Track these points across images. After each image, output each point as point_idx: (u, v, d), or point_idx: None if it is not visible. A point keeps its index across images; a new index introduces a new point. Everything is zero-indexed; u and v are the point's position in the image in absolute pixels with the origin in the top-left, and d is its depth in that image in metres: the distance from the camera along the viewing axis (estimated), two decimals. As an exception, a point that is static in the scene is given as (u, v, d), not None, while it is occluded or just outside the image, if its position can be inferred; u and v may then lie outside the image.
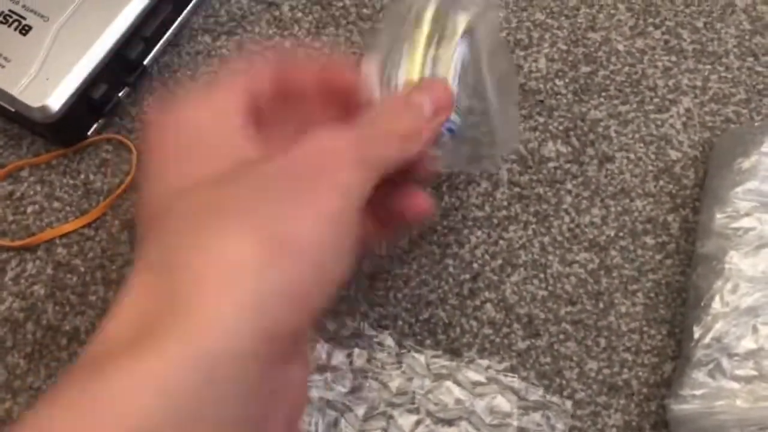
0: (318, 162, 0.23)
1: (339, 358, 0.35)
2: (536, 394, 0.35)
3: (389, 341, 0.35)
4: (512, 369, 0.35)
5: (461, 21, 0.32)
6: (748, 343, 0.33)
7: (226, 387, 0.20)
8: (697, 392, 0.33)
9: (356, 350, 0.35)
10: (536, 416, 0.34)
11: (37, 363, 0.36)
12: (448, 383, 0.35)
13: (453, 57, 0.32)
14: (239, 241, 0.21)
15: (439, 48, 0.32)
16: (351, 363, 0.35)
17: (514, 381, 0.35)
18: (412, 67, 0.31)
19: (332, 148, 0.24)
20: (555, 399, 0.35)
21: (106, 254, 0.37)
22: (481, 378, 0.35)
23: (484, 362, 0.35)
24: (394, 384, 0.35)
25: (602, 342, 0.36)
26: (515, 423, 0.34)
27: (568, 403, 0.35)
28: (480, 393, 0.34)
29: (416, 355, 0.35)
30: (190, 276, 0.20)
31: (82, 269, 0.37)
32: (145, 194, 0.24)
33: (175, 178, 0.24)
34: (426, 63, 0.31)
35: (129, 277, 0.22)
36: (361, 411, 0.34)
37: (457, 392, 0.34)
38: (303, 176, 0.23)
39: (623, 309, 0.37)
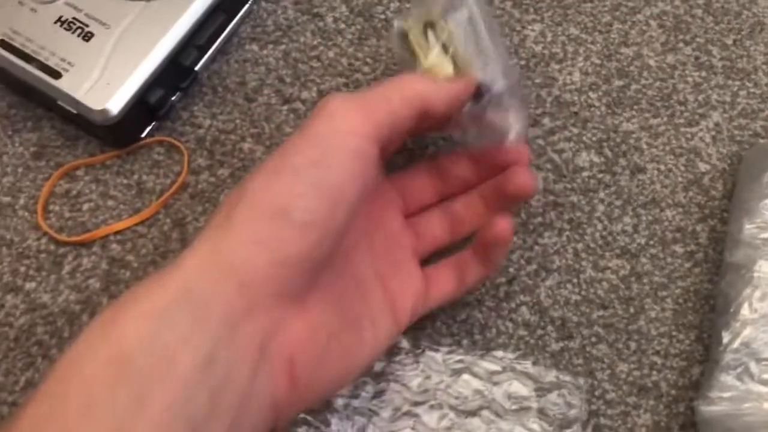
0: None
1: None
2: (550, 376, 0.36)
3: (404, 343, 0.37)
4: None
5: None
6: (775, 349, 0.34)
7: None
8: (725, 395, 0.34)
9: None
10: (553, 396, 0.36)
11: (92, 353, 0.37)
12: (466, 376, 0.36)
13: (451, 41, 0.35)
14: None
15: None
16: (371, 369, 0.36)
17: (528, 366, 0.36)
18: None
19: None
20: (568, 378, 0.36)
21: (157, 251, 0.39)
22: (496, 367, 0.36)
23: (498, 353, 0.37)
24: (415, 383, 0.36)
25: (632, 345, 0.38)
26: (534, 405, 0.35)
27: (581, 380, 0.36)
28: (497, 381, 0.36)
29: (432, 353, 0.37)
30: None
31: (135, 265, 0.39)
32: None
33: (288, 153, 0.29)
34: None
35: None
36: (386, 413, 0.35)
37: (475, 383, 0.36)
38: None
39: (653, 314, 0.38)
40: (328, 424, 0.34)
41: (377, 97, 0.30)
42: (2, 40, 0.38)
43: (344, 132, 0.29)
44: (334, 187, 0.28)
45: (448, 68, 0.35)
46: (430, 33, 0.36)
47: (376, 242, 0.34)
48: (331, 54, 0.44)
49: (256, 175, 0.28)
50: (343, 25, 0.45)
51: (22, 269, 0.39)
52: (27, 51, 0.38)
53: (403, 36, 0.36)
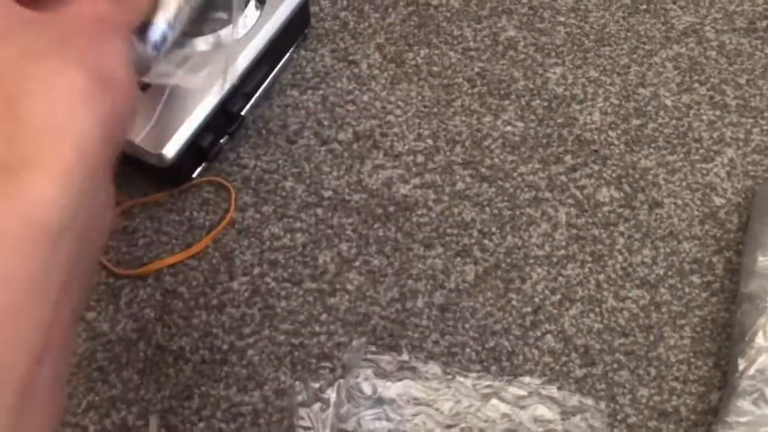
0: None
1: (393, 390, 0.39)
2: (573, 400, 0.38)
3: (436, 369, 0.39)
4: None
5: None
6: (789, 375, 0.36)
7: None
8: (742, 419, 0.36)
9: (408, 381, 0.39)
10: (576, 419, 0.38)
11: (147, 378, 0.40)
12: (494, 400, 0.38)
13: None
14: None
15: None
16: (405, 393, 0.39)
17: (553, 391, 0.39)
18: None
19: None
20: (590, 402, 0.38)
21: (207, 282, 0.42)
22: (523, 392, 0.39)
23: (525, 378, 0.39)
24: (446, 407, 0.38)
25: (653, 371, 0.40)
26: (559, 428, 0.38)
27: (602, 404, 0.38)
28: (523, 405, 0.38)
29: (462, 379, 0.39)
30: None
31: (187, 296, 0.42)
32: None
33: None
34: None
35: None
36: None
37: (503, 407, 0.38)
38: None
39: (672, 342, 0.41)
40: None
41: None
42: (69, 92, 0.42)
43: None
44: None
45: None
46: None
47: None
48: (365, 98, 0.47)
49: None
50: (376, 71, 0.48)
51: (84, 300, 0.42)
52: (91, 101, 0.42)
53: None
